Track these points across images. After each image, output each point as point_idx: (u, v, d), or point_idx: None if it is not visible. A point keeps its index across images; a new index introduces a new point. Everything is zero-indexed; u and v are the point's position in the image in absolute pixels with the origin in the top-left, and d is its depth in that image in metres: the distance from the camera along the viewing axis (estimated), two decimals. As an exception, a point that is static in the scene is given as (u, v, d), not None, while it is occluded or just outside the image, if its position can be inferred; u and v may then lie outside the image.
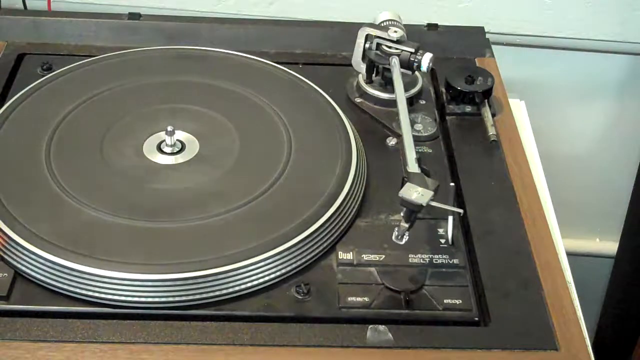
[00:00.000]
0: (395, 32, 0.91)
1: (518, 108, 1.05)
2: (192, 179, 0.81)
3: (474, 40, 1.05)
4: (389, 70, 0.91)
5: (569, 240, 1.40)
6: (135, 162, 0.83)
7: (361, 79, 0.95)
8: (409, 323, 0.71)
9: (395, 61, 0.90)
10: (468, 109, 0.93)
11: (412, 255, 0.76)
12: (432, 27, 1.05)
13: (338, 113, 0.89)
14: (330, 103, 0.90)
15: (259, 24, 1.06)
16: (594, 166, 1.37)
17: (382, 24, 0.94)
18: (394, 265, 0.75)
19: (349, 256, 0.76)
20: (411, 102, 0.93)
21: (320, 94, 0.91)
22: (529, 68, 1.26)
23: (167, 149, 0.84)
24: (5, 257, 0.74)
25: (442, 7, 1.20)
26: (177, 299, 0.71)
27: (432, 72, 0.97)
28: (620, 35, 1.22)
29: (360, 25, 0.93)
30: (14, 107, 0.88)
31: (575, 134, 1.34)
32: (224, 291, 0.72)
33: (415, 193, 0.72)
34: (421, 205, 0.71)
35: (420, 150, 0.87)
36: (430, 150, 0.88)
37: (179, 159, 0.84)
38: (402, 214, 0.73)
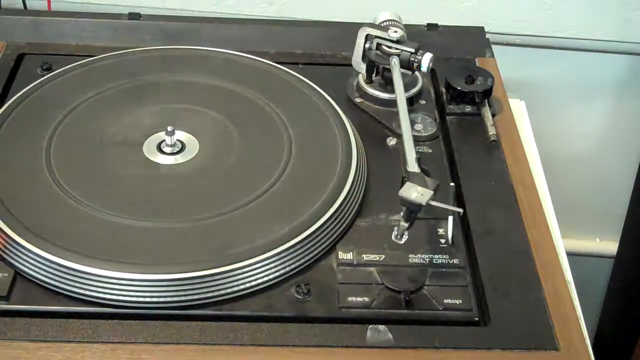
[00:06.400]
0: (395, 32, 0.91)
1: (518, 108, 1.05)
2: (192, 179, 0.81)
3: (474, 40, 1.05)
4: (389, 70, 0.91)
5: (569, 240, 1.40)
6: (135, 162, 0.83)
7: (361, 79, 0.95)
8: (409, 323, 0.71)
9: (395, 61, 0.90)
10: (468, 109, 0.93)
11: (412, 255, 0.76)
12: (432, 27, 1.05)
13: (338, 113, 0.89)
14: (330, 103, 0.90)
15: (259, 24, 1.06)
16: (594, 166, 1.37)
17: (382, 24, 0.94)
18: (394, 265, 0.75)
19: (349, 256, 0.76)
20: (411, 102, 0.93)
21: (320, 94, 0.91)
22: (529, 68, 1.26)
23: (167, 149, 0.84)
24: (5, 257, 0.74)
25: (442, 7, 1.20)
26: (177, 299, 0.71)
27: (432, 72, 0.97)
28: (620, 35, 1.22)
29: (360, 25, 0.93)
30: (14, 107, 0.88)
31: (575, 134, 1.34)
32: (224, 291, 0.71)
33: (415, 192, 0.72)
34: (421, 205, 0.71)
35: (420, 150, 0.87)
36: (430, 150, 0.88)
37: (179, 159, 0.84)
38: (401, 214, 0.73)
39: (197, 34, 1.02)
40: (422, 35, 1.03)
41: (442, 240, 0.78)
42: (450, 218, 0.77)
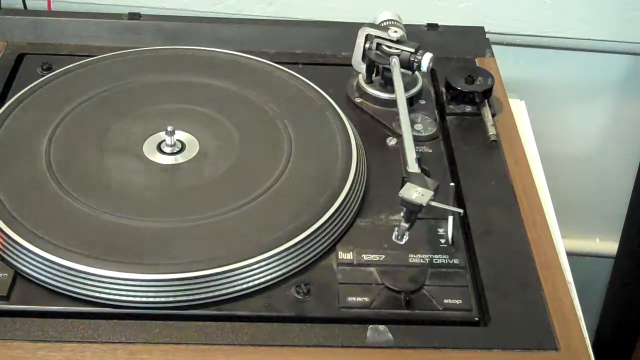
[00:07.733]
0: (395, 32, 0.91)
1: (518, 108, 1.05)
2: (192, 179, 0.81)
3: (474, 40, 1.05)
4: (389, 70, 0.91)
5: (569, 240, 1.40)
6: (135, 162, 0.83)
7: (361, 79, 0.95)
8: (409, 323, 0.71)
9: (395, 61, 0.90)
10: (468, 109, 0.93)
11: (412, 255, 0.76)
12: (432, 27, 1.05)
13: (338, 113, 0.89)
14: (331, 103, 0.90)
15: (259, 24, 1.06)
16: (594, 166, 1.37)
17: (382, 24, 0.94)
18: (394, 265, 0.75)
19: (349, 256, 0.76)
20: (411, 102, 0.93)
21: (321, 94, 0.91)
22: (529, 68, 1.26)
23: (167, 149, 0.84)
24: (5, 257, 0.74)
25: (442, 7, 1.20)
26: (177, 299, 0.71)
27: (432, 72, 0.97)
28: (620, 35, 1.22)
29: (360, 25, 0.93)
30: (14, 107, 0.88)
31: (575, 134, 1.34)
32: (224, 291, 0.72)
33: (415, 193, 0.72)
34: (421, 205, 0.71)
35: (420, 150, 0.87)
36: (430, 150, 0.88)
37: (179, 159, 0.84)
38: (402, 214, 0.73)
39: (197, 34, 1.02)
40: (422, 35, 1.02)
41: (442, 240, 0.78)
42: (450, 218, 0.77)
